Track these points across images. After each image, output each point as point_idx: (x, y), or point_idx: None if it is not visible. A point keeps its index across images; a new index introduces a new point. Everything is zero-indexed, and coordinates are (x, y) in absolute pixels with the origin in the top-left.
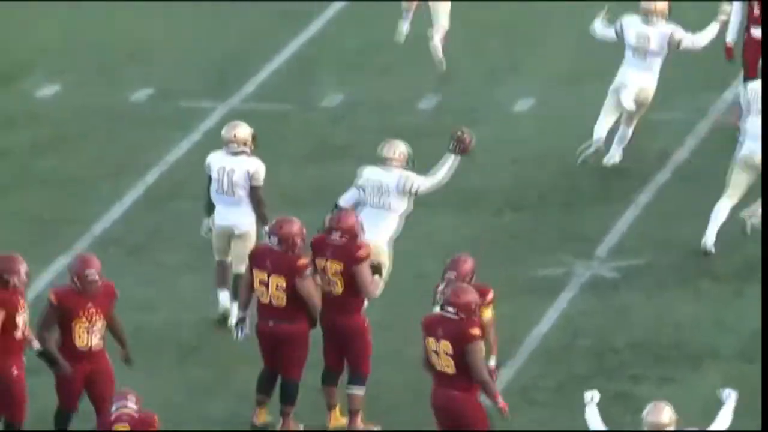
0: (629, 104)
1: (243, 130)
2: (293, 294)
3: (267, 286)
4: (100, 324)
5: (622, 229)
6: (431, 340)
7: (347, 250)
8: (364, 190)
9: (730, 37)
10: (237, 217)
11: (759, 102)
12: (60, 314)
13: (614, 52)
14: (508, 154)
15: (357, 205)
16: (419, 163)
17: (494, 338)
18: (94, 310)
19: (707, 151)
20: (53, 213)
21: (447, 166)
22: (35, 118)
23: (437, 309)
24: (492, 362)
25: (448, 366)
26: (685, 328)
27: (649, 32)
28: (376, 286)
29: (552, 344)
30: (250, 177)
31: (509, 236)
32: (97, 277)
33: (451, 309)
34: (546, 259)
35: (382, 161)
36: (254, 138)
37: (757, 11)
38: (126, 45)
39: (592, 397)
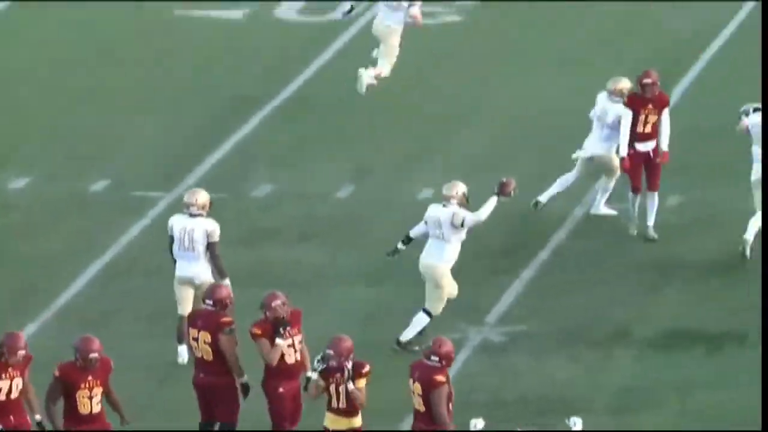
0: (576, 155)
1: (202, 196)
2: (218, 349)
3: (198, 341)
4: (99, 392)
5: (509, 300)
6: (410, 382)
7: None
8: (427, 224)
9: (624, 149)
10: (196, 270)
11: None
12: (64, 386)
13: (518, 144)
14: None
15: (425, 235)
16: (337, 247)
17: (362, 400)
18: (93, 382)
19: (582, 233)
20: (24, 287)
21: (489, 205)
22: (8, 206)
23: (313, 375)
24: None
25: (419, 405)
26: (564, 386)
27: (609, 108)
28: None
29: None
30: (208, 235)
31: (414, 305)
32: (97, 356)
33: (434, 357)
34: (444, 325)
35: (444, 198)
36: (211, 204)
37: (642, 128)
38: (88, 142)
39: (475, 424)
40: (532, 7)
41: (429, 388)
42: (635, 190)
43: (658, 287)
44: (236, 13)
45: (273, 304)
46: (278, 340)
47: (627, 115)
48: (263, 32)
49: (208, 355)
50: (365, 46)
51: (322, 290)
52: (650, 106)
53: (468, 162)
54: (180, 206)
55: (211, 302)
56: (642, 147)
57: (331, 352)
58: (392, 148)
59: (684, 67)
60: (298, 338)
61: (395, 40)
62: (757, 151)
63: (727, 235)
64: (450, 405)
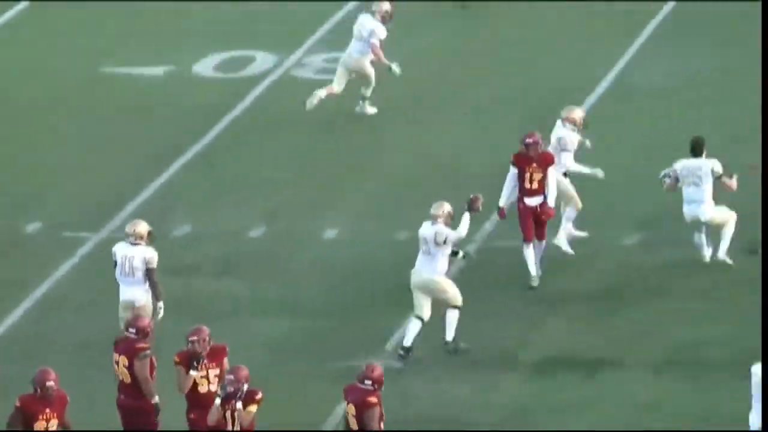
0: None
1: (142, 227)
2: (134, 372)
3: (118, 365)
4: (55, 424)
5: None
6: (345, 404)
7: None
8: (419, 241)
9: (502, 201)
10: (136, 294)
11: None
12: (24, 417)
13: (417, 188)
14: (322, 273)
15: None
16: (253, 281)
17: (247, 423)
18: (50, 414)
19: (474, 268)
20: None
21: (465, 221)
22: None
23: (217, 401)
24: None
25: (353, 424)
26: (456, 406)
27: (561, 135)
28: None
29: None
30: (146, 262)
31: (323, 335)
32: (53, 385)
33: (367, 381)
34: (347, 353)
35: (432, 218)
36: (149, 234)
37: (529, 185)
38: (25, 186)
39: None
40: (441, 62)
41: (362, 409)
42: (526, 240)
43: (543, 317)
44: (158, 70)
45: (190, 338)
46: (191, 371)
47: (512, 171)
48: (182, 87)
49: (127, 378)
50: (274, 100)
51: (241, 320)
52: (534, 164)
53: (369, 205)
54: (108, 245)
55: (133, 330)
56: (530, 201)
57: (231, 377)
58: (300, 192)
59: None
60: (214, 372)
61: (367, 69)
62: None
63: (607, 268)
64: (381, 424)
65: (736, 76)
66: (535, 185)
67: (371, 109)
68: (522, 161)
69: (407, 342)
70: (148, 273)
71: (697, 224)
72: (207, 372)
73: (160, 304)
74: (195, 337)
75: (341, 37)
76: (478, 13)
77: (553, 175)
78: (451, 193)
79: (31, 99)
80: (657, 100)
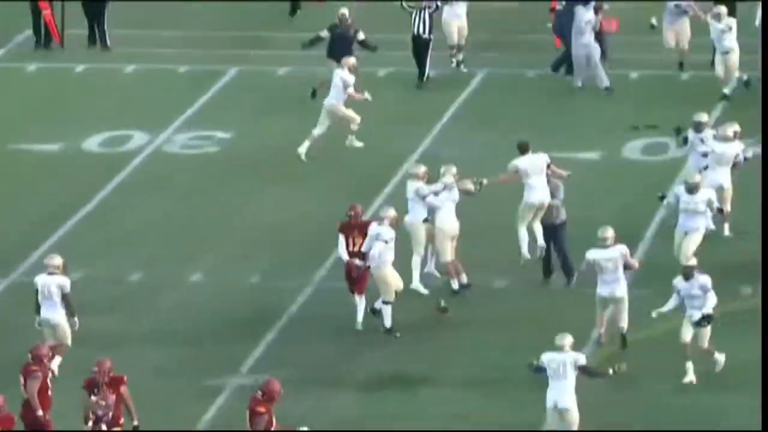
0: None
1: (58, 260)
2: (26, 389)
3: (21, 384)
4: None
5: (261, 349)
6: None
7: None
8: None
9: (345, 257)
10: (54, 315)
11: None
12: None
13: (259, 245)
14: (188, 310)
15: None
16: (135, 317)
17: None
18: None
19: (317, 301)
20: None
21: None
22: None
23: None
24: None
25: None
26: (305, 421)
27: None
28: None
29: None
30: (62, 287)
31: (191, 360)
32: (1, 408)
33: (259, 392)
34: (211, 374)
35: (377, 219)
36: (64, 265)
37: (351, 248)
38: None
39: None
40: (277, 141)
41: (252, 416)
42: (352, 292)
43: (370, 344)
44: (54, 146)
45: (93, 368)
46: (92, 396)
47: (340, 238)
48: (74, 159)
49: (25, 395)
50: (149, 169)
51: (126, 349)
52: (356, 231)
53: (226, 255)
54: (17, 287)
55: (30, 357)
56: (356, 261)
57: (95, 368)
58: (170, 244)
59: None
60: (111, 397)
61: (345, 111)
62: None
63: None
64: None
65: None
66: (356, 248)
67: (358, 143)
68: (345, 228)
69: (387, 324)
70: (64, 296)
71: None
72: (106, 397)
73: (75, 319)
74: (96, 368)
75: (203, 118)
76: None
77: (388, 249)
78: (292, 246)
79: None
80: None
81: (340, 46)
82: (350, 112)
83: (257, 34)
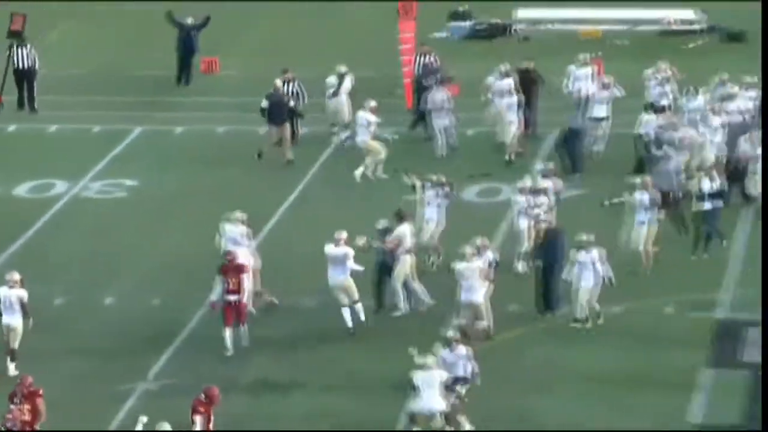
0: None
1: (17, 275)
2: None
3: None
4: None
5: (166, 356)
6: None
7: None
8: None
9: (214, 297)
10: (13, 321)
11: None
12: None
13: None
14: (103, 328)
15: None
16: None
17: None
18: None
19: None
20: None
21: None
22: None
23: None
24: None
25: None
26: (237, 417)
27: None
28: None
29: None
30: (21, 298)
31: (106, 370)
32: None
33: (203, 395)
34: (124, 380)
35: (335, 241)
36: (21, 280)
37: (228, 286)
38: None
39: (141, 420)
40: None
41: (193, 414)
42: (227, 325)
43: (257, 353)
44: None
45: (17, 382)
46: (12, 405)
47: (219, 278)
48: (6, 204)
49: None
50: (69, 211)
51: (49, 361)
52: (231, 272)
53: (135, 282)
54: None
55: None
56: (231, 297)
57: (19, 383)
58: (87, 271)
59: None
60: (27, 407)
61: (372, 145)
62: None
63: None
64: (210, 426)
65: None
66: (233, 287)
67: (383, 175)
68: (224, 270)
69: (351, 324)
70: (22, 305)
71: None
72: (23, 407)
73: (30, 321)
74: (19, 382)
75: (113, 169)
76: None
77: (244, 278)
78: (189, 275)
79: None
80: None
81: (276, 111)
82: (376, 145)
83: (158, 99)
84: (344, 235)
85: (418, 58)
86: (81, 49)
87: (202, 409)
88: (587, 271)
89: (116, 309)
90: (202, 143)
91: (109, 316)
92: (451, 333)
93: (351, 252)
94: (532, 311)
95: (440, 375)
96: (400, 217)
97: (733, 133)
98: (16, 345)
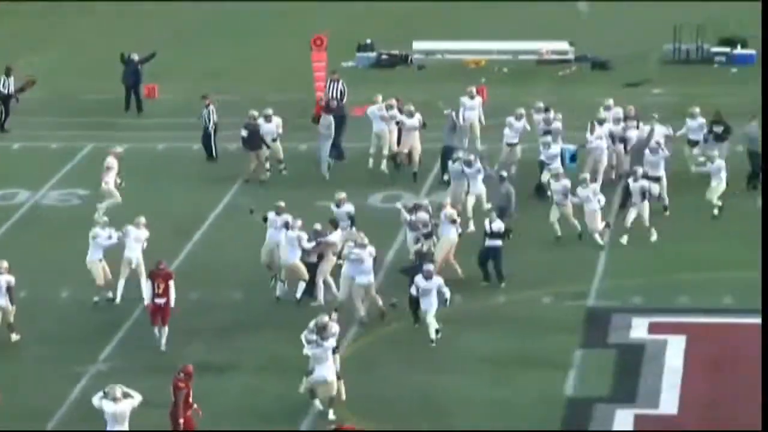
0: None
1: (4, 263)
2: None
3: None
4: None
5: (114, 343)
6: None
7: None
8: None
9: (147, 300)
10: (2, 301)
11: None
12: None
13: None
14: (59, 320)
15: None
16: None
17: None
18: None
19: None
20: None
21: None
22: None
23: None
24: None
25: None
26: (151, 396)
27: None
28: None
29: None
30: (8, 282)
31: (59, 355)
32: None
33: (181, 374)
34: (76, 363)
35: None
36: (8, 267)
37: (156, 290)
38: None
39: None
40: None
41: (175, 390)
42: (154, 324)
43: (194, 340)
44: None
45: None
46: None
47: (149, 282)
48: None
49: None
50: (30, 217)
51: (12, 349)
52: (160, 278)
53: (89, 280)
54: None
55: None
56: (158, 300)
57: None
58: (47, 269)
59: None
60: None
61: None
62: None
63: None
64: (189, 401)
65: None
66: (160, 291)
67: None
68: (152, 276)
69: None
70: (9, 289)
71: None
72: None
73: (14, 305)
74: None
75: (69, 180)
76: None
77: (171, 285)
78: (135, 271)
79: None
80: None
81: (252, 138)
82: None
83: (107, 120)
84: (299, 222)
85: (329, 84)
86: (42, 77)
87: (182, 385)
88: (431, 297)
89: (71, 301)
90: (143, 158)
91: (64, 307)
92: (322, 318)
93: (303, 236)
94: None
95: (329, 346)
96: (335, 225)
97: (635, 149)
98: (11, 319)
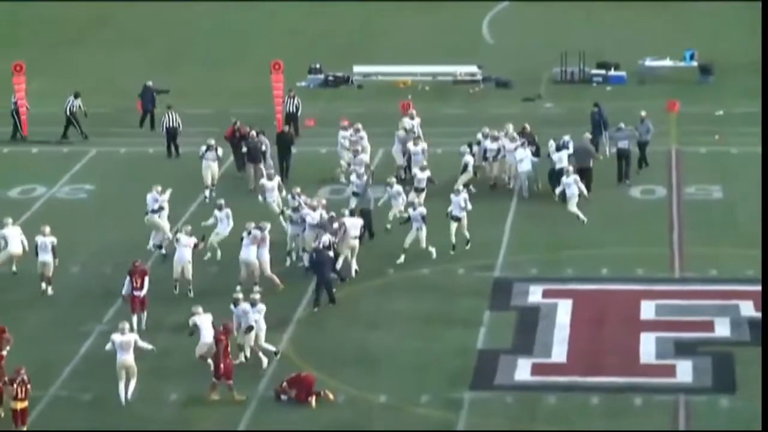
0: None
1: (47, 228)
2: None
3: None
4: None
5: (113, 310)
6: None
7: None
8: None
9: (125, 292)
10: (47, 257)
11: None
12: None
13: None
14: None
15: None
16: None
17: None
18: None
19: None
20: None
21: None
22: None
23: None
24: None
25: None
26: (165, 350)
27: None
28: None
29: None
30: (51, 243)
31: (68, 316)
32: None
33: (222, 327)
34: (81, 325)
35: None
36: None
37: (135, 284)
38: None
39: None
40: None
41: (217, 342)
42: (133, 312)
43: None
44: None
45: None
46: None
47: (128, 278)
48: (3, 202)
49: None
50: (48, 209)
51: (35, 310)
52: (137, 274)
53: (95, 259)
54: None
55: None
56: (136, 293)
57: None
58: (60, 249)
59: None
60: None
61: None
62: None
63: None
64: (228, 351)
65: None
66: (138, 285)
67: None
68: (131, 272)
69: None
70: (53, 248)
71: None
72: None
73: (56, 260)
74: None
75: (78, 178)
76: None
77: (144, 285)
78: (129, 255)
79: None
80: None
81: (252, 153)
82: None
83: (107, 130)
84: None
85: (287, 100)
86: (54, 95)
87: (222, 338)
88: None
89: (80, 275)
90: (139, 160)
91: (74, 279)
92: (236, 295)
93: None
94: (367, 274)
95: (208, 318)
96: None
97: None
98: (50, 273)
